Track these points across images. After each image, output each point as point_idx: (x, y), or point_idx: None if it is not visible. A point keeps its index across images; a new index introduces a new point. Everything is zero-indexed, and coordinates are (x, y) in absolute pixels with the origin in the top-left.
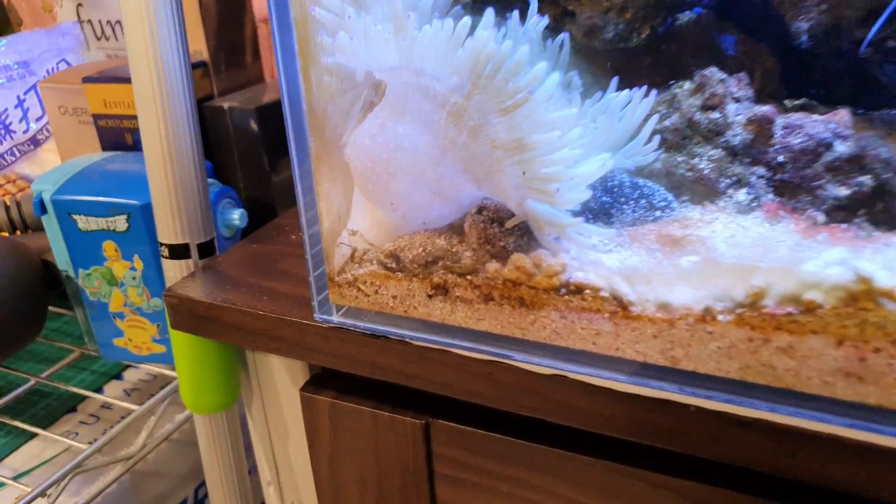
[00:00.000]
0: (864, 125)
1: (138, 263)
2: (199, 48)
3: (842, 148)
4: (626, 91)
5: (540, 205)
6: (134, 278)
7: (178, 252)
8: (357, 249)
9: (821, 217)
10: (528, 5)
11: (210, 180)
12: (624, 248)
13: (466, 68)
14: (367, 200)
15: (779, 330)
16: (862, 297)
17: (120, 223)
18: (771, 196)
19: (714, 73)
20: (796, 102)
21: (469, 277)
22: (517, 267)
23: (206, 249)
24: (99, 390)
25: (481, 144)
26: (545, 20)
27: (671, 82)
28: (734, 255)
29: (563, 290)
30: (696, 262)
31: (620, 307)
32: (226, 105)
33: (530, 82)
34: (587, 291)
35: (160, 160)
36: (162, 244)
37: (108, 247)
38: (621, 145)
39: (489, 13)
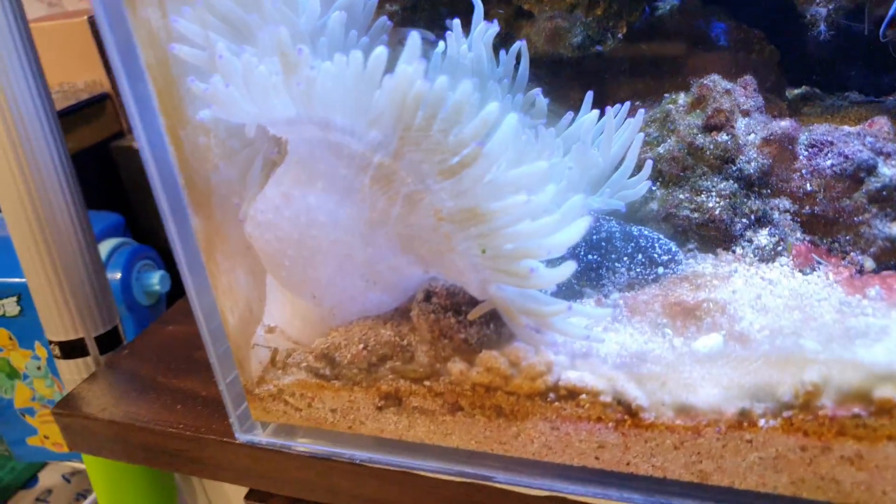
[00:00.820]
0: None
1: (41, 351)
2: (98, 77)
3: (888, 171)
4: (608, 109)
5: (510, 289)
6: (39, 368)
7: (72, 350)
8: (278, 351)
9: (868, 262)
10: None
11: (121, 240)
12: (622, 324)
13: (389, 118)
14: (283, 288)
15: (842, 436)
16: None
17: (9, 306)
18: (799, 234)
19: (716, 81)
20: (796, 92)
21: (427, 383)
22: (488, 368)
23: (108, 341)
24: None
25: (422, 217)
26: (494, 27)
27: (665, 95)
28: (766, 327)
29: (552, 396)
30: (720, 344)
31: (628, 414)
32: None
33: (479, 131)
34: (583, 396)
35: (28, 238)
36: (51, 342)
37: (1, 335)
38: (603, 181)
39: (413, 39)
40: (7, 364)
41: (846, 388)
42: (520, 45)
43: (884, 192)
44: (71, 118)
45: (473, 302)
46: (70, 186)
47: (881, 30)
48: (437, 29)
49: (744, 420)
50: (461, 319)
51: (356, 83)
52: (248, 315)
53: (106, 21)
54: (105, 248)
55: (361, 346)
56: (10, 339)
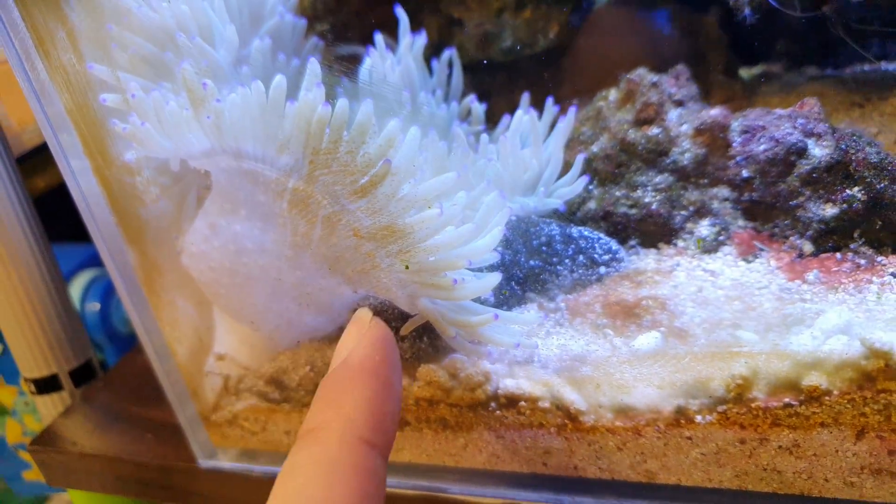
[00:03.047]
0: (838, 91)
1: (26, 386)
2: None
3: (819, 152)
4: (544, 113)
5: (438, 301)
6: (27, 403)
7: (47, 385)
8: (230, 377)
9: (807, 246)
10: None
11: (97, 271)
12: (563, 327)
13: (297, 143)
14: (228, 317)
15: (777, 426)
16: (880, 375)
17: None
18: (741, 223)
19: (642, 75)
20: (754, 71)
21: None
22: (429, 382)
23: (82, 374)
24: None
25: (342, 237)
26: (422, 39)
27: (597, 94)
28: (706, 320)
29: (493, 405)
30: (658, 341)
31: (568, 418)
32: None
33: (384, 149)
34: (523, 403)
35: None
36: (25, 379)
37: None
38: (537, 182)
39: (312, 66)
40: None
41: (775, 379)
42: (450, 53)
43: (814, 175)
44: (46, 154)
45: (404, 317)
46: (31, 226)
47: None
48: (371, 43)
49: (681, 417)
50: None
51: (262, 112)
52: (197, 344)
53: (21, 71)
54: (82, 281)
55: (308, 367)
56: None
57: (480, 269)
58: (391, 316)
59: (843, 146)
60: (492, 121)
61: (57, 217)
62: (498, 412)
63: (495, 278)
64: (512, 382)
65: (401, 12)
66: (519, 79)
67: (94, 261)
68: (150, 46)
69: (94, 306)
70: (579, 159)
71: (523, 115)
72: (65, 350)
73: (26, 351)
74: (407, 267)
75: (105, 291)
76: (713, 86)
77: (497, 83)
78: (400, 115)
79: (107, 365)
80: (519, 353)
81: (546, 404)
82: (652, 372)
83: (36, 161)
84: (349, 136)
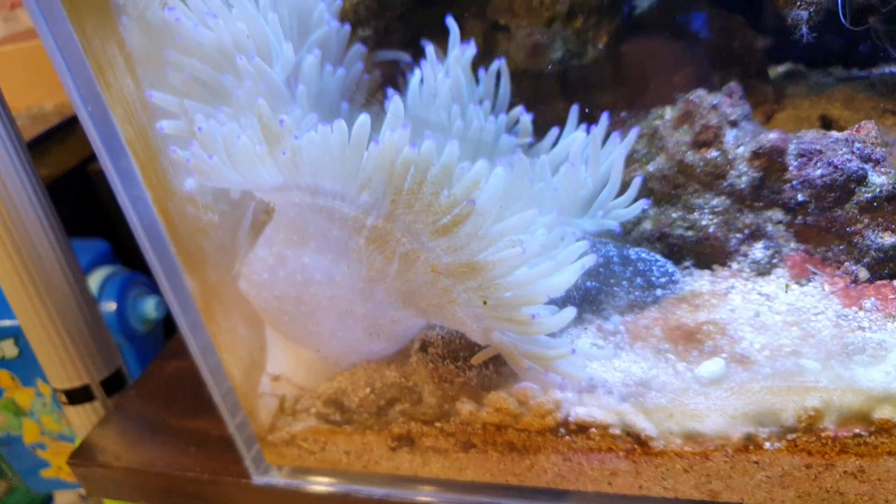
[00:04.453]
0: (868, 96)
1: (44, 388)
2: (68, 99)
3: (878, 179)
4: (593, 127)
5: (510, 335)
6: (44, 405)
7: (80, 396)
8: (286, 398)
9: (862, 272)
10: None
11: (111, 268)
12: (624, 351)
13: (379, 183)
14: (284, 339)
15: (845, 453)
16: None
17: (8, 349)
18: (794, 245)
19: (702, 97)
20: (780, 70)
21: (438, 424)
22: (498, 409)
23: (113, 384)
24: None
25: (420, 273)
26: (471, 50)
27: (651, 110)
28: (766, 346)
29: (563, 431)
30: (721, 368)
31: (638, 444)
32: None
33: (470, 190)
34: (593, 430)
35: (17, 286)
36: (57, 390)
37: (3, 376)
38: (592, 201)
39: (395, 104)
40: (12, 403)
41: (847, 411)
42: (499, 64)
43: (874, 204)
44: (43, 145)
45: (470, 347)
46: (46, 217)
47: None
48: (412, 49)
49: (750, 444)
50: (460, 365)
51: (342, 151)
52: (250, 365)
53: (81, 102)
54: (96, 279)
55: (368, 389)
56: (12, 379)
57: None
58: (457, 347)
59: None
60: (539, 129)
61: (60, 209)
62: (567, 437)
63: (570, 313)
64: (583, 410)
65: (451, 22)
66: (565, 86)
67: (105, 258)
68: (208, 69)
69: (111, 306)
70: (637, 181)
71: (579, 135)
72: (95, 360)
73: (56, 363)
74: (485, 303)
75: (121, 289)
76: (746, 90)
77: (544, 91)
78: (451, 131)
79: (127, 364)
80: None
81: (617, 431)
82: (724, 403)
83: (33, 151)
84: (433, 176)
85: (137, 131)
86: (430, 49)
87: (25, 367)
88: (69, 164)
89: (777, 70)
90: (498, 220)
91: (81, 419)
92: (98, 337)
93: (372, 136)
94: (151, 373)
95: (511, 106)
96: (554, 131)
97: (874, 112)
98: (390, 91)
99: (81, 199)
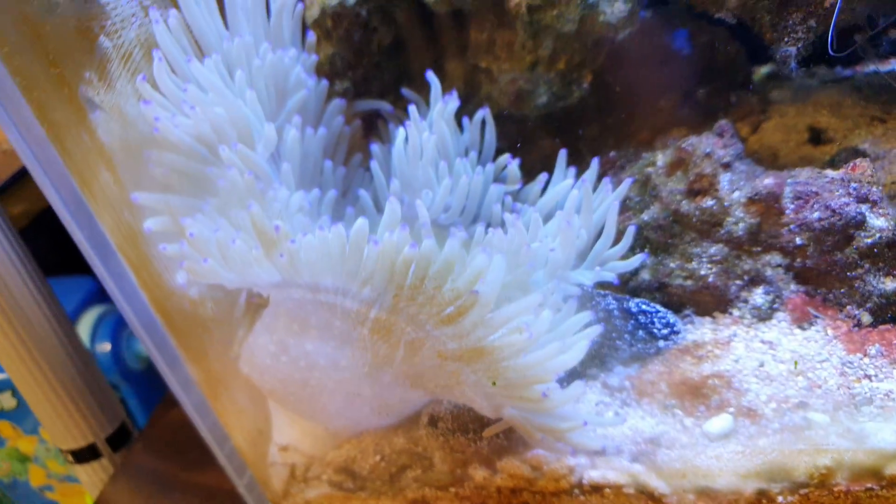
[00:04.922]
0: (855, 101)
1: (46, 435)
2: None
3: (878, 223)
4: (584, 178)
5: (525, 413)
6: (48, 450)
7: (86, 455)
8: (296, 465)
9: (865, 317)
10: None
11: (102, 308)
12: (631, 407)
13: (380, 280)
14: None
15: None
16: None
17: (6, 401)
18: (794, 287)
19: (695, 144)
20: (763, 71)
21: (452, 489)
22: (511, 475)
23: (118, 438)
24: None
25: (426, 359)
26: (454, 102)
27: (644, 155)
28: (772, 398)
29: (577, 492)
30: (730, 424)
31: (652, 500)
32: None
33: (472, 282)
34: (607, 490)
35: (4, 347)
36: (62, 451)
37: (4, 428)
38: (587, 251)
39: (392, 206)
40: (16, 451)
41: (858, 469)
42: (483, 113)
43: (875, 250)
44: (18, 182)
45: (479, 419)
46: (43, 296)
47: (829, 43)
48: (392, 95)
49: (762, 498)
50: (470, 437)
51: (341, 253)
52: (258, 437)
53: (69, 215)
54: (87, 321)
55: (378, 457)
56: (14, 429)
57: None
58: (467, 419)
59: None
60: (526, 167)
61: (38, 247)
62: (582, 497)
63: (580, 388)
64: (597, 473)
65: (432, 77)
66: (551, 125)
67: (97, 297)
68: (190, 161)
69: (105, 346)
70: (630, 231)
71: (568, 183)
72: (98, 417)
73: (58, 424)
74: (494, 383)
75: (114, 329)
76: (731, 103)
77: (529, 132)
78: (439, 188)
79: (127, 404)
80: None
81: (630, 490)
82: (736, 463)
83: (7, 191)
84: (435, 272)
85: (125, 234)
86: (412, 109)
87: (25, 417)
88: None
89: (760, 71)
90: (501, 304)
91: (90, 477)
92: (97, 392)
93: (370, 237)
94: (156, 422)
95: (498, 152)
96: (543, 177)
97: (863, 119)
98: (390, 197)
99: (62, 233)
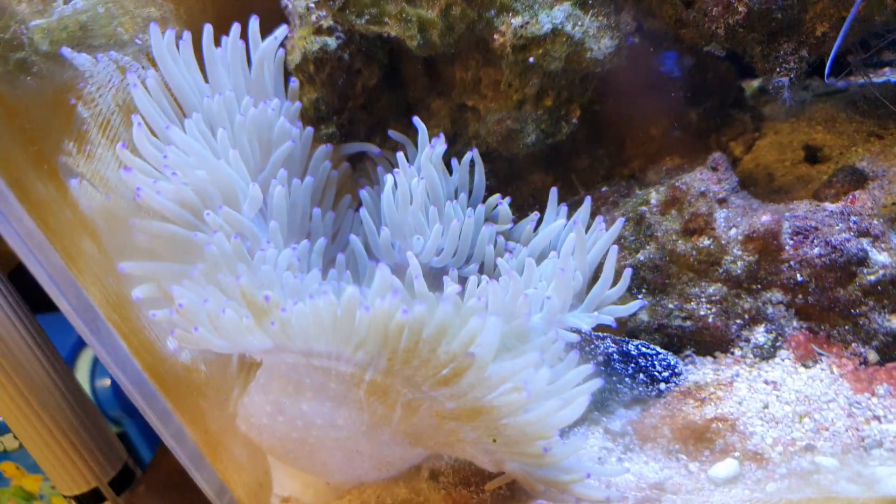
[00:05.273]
0: (850, 116)
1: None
2: None
3: (881, 259)
4: (583, 214)
5: (528, 467)
6: (53, 487)
7: (90, 500)
8: None
9: (872, 355)
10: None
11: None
12: (634, 452)
13: (374, 344)
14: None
15: None
16: None
17: (8, 442)
18: (796, 324)
19: (689, 183)
20: (755, 84)
21: None
22: None
23: (122, 480)
24: None
25: (425, 418)
26: (441, 145)
27: (637, 192)
28: (778, 440)
29: None
30: (735, 469)
31: None
32: None
33: (466, 344)
34: None
35: (3, 397)
36: (66, 496)
37: (8, 468)
38: (583, 293)
39: (383, 272)
40: (21, 490)
41: None
42: (471, 155)
43: (878, 287)
44: None
45: (481, 472)
46: (38, 343)
47: (826, 74)
48: (378, 136)
49: None
50: (472, 490)
51: (333, 320)
52: (259, 490)
53: (59, 293)
54: (87, 358)
55: None
56: (18, 469)
57: None
58: (468, 473)
59: None
60: (517, 202)
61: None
62: None
63: (581, 441)
64: None
65: (419, 122)
66: (541, 160)
67: None
68: (175, 228)
69: (105, 382)
70: (627, 274)
71: (563, 224)
72: (100, 461)
73: (59, 470)
74: (495, 440)
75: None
76: (724, 122)
77: (519, 167)
78: (430, 233)
79: (131, 439)
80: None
81: None
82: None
83: None
84: (429, 335)
85: (114, 304)
86: (400, 157)
87: (28, 456)
88: None
89: (752, 85)
90: (500, 353)
91: None
92: (98, 436)
93: (361, 302)
94: (157, 463)
95: (488, 190)
96: (534, 215)
97: (859, 135)
98: (380, 263)
99: None
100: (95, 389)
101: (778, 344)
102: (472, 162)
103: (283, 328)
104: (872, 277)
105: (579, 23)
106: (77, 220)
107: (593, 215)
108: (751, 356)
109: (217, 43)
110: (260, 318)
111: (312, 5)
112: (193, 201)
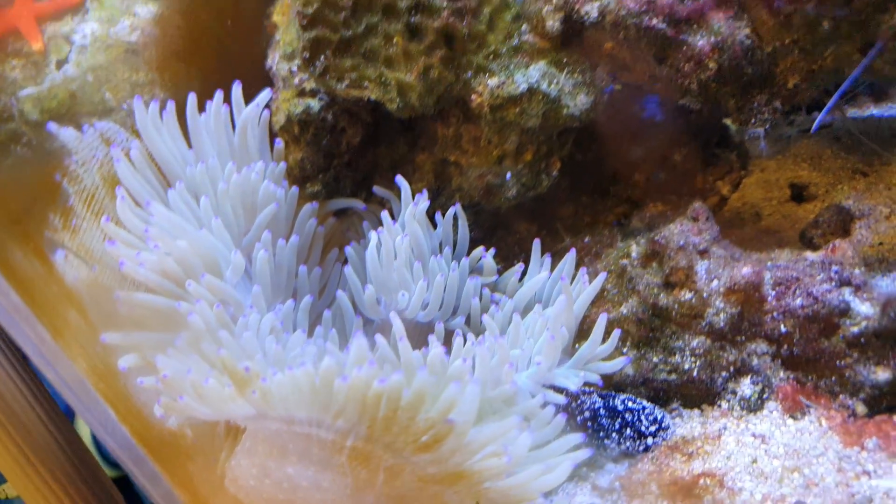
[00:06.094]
0: (835, 152)
1: None
2: None
3: (864, 310)
4: (567, 268)
5: None
6: None
7: None
8: None
9: (860, 407)
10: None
11: None
12: None
13: (352, 412)
14: None
15: None
16: None
17: (10, 489)
18: (783, 374)
19: (668, 237)
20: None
21: None
22: None
23: None
24: None
25: (408, 482)
26: (424, 202)
27: (618, 244)
28: (767, 497)
29: None
30: None
31: None
32: None
33: (445, 412)
34: None
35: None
36: None
37: None
38: (568, 349)
39: (359, 341)
40: None
41: None
42: (455, 210)
43: (862, 340)
44: None
45: None
46: (45, 410)
47: (815, 126)
48: (363, 192)
49: None
50: None
51: (312, 389)
52: None
53: (47, 364)
54: None
55: None
56: None
57: None
58: None
59: (892, 314)
60: (501, 252)
61: None
62: None
63: (568, 501)
64: None
65: (401, 181)
66: (524, 211)
67: None
68: (158, 299)
69: None
70: (616, 334)
71: (547, 276)
72: None
73: None
74: (478, 503)
75: None
76: (710, 162)
77: (502, 219)
78: (413, 289)
79: (132, 484)
80: None
81: None
82: None
83: None
84: (407, 403)
85: (101, 373)
86: (384, 215)
87: None
88: None
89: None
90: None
91: None
92: (97, 489)
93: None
94: None
95: (473, 241)
96: (519, 267)
97: (844, 173)
98: (357, 333)
99: None
100: (98, 443)
101: (765, 396)
102: (455, 216)
103: (264, 397)
104: (856, 329)
105: (555, 81)
106: (63, 293)
107: (577, 266)
108: (738, 409)
109: (202, 109)
110: (241, 387)
111: (295, 69)
112: (176, 271)
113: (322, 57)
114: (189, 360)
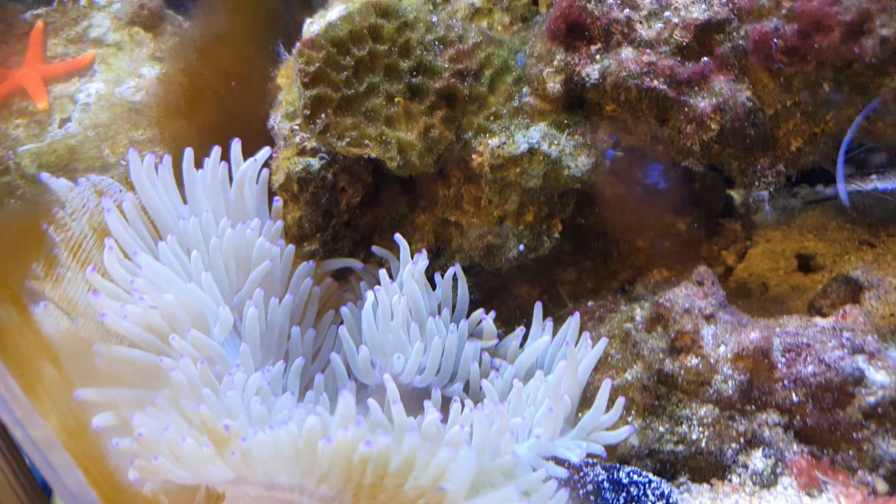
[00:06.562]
0: (840, 223)
1: None
2: None
3: (879, 378)
4: (570, 333)
5: None
6: None
7: None
8: None
9: (880, 484)
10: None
11: None
12: None
13: (337, 478)
14: None
15: None
16: None
17: None
18: (796, 447)
19: (673, 300)
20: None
21: None
22: None
23: None
24: None
25: None
26: (423, 261)
27: (622, 308)
28: None
29: None
30: None
31: None
32: None
33: (435, 480)
34: None
35: None
36: None
37: None
38: (571, 417)
39: (346, 400)
40: None
41: None
42: (454, 270)
43: (879, 410)
44: None
45: None
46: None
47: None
48: (363, 252)
49: None
50: None
51: (294, 451)
52: None
53: (10, 417)
54: None
55: None
56: None
57: None
58: None
59: None
60: (502, 315)
61: None
62: None
63: None
64: None
65: (400, 239)
66: (525, 272)
67: None
68: (140, 354)
69: None
70: (620, 402)
71: (548, 341)
72: None
73: None
74: None
75: None
76: (715, 231)
77: (503, 279)
78: (410, 352)
79: None
80: None
81: None
82: None
83: None
84: (395, 469)
85: (72, 432)
86: (382, 274)
87: None
88: None
89: (741, 191)
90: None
91: None
92: None
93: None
94: None
95: (473, 303)
96: (520, 331)
97: (851, 244)
98: (343, 391)
99: None
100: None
101: (778, 470)
102: (455, 277)
103: (244, 458)
104: (872, 399)
105: (555, 142)
106: (38, 344)
107: (580, 331)
108: (750, 484)
109: (200, 165)
110: (220, 447)
111: (296, 127)
112: (161, 325)
113: (323, 115)
114: (168, 418)
